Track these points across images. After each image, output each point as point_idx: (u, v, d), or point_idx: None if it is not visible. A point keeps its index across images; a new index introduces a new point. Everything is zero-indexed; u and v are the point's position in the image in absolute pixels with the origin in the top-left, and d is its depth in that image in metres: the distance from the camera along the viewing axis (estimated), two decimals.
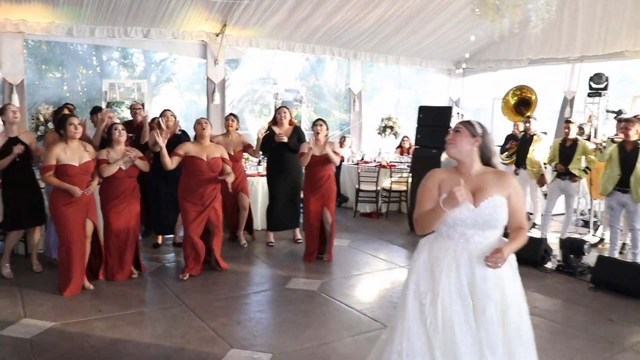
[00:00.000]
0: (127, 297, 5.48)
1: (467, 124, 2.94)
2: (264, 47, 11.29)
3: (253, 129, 14.92)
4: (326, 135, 6.80)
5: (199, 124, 6.15)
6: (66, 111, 6.73)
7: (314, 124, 6.83)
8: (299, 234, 7.80)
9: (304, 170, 6.98)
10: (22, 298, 5.35)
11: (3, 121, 5.96)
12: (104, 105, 9.78)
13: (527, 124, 8.64)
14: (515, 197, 2.86)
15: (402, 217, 9.87)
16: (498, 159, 3.02)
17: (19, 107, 8.90)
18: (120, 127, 5.82)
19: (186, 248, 6.07)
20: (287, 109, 7.53)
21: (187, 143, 6.16)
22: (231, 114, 7.54)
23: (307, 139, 7.28)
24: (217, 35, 10.51)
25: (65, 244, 5.40)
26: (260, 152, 7.55)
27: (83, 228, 5.49)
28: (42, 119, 7.76)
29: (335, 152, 6.69)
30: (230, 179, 6.04)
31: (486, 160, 2.94)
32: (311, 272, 6.42)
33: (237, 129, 7.49)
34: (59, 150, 5.33)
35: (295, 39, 11.32)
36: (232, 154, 7.10)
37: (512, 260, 2.87)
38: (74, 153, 5.38)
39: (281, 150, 7.29)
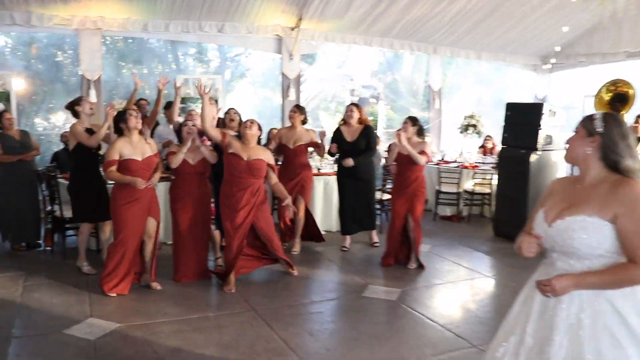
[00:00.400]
0: (193, 299, 5.25)
1: (586, 120, 2.32)
2: (340, 41, 10.90)
3: (328, 128, 14.62)
4: (419, 134, 6.35)
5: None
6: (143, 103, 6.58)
7: (404, 122, 6.42)
8: (375, 236, 7.35)
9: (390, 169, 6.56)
10: (89, 296, 5.24)
11: (78, 111, 5.89)
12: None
13: (636, 124, 7.74)
14: (626, 218, 2.11)
15: (485, 222, 9.25)
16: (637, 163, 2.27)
17: (95, 103, 9.13)
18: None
19: (226, 253, 5.68)
20: (356, 106, 7.00)
21: (235, 139, 5.68)
22: (296, 105, 7.17)
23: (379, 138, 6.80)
24: (292, 30, 10.21)
25: (121, 243, 5.21)
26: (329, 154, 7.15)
27: (142, 227, 5.30)
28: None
29: (422, 152, 6.19)
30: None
31: (612, 164, 2.23)
32: (390, 280, 5.97)
33: (304, 122, 7.02)
34: (121, 144, 5.17)
35: (372, 33, 10.87)
36: (291, 146, 6.78)
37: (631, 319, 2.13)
38: (136, 147, 5.22)
39: (350, 152, 6.79)
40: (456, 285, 5.95)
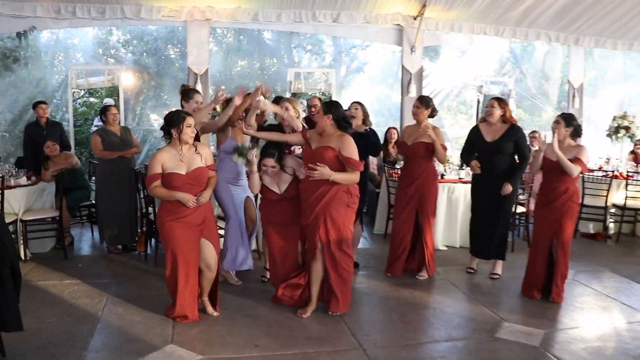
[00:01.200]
0: (291, 329, 4.46)
1: None
2: (468, 31, 9.78)
3: (450, 128, 13.42)
4: (573, 137, 5.17)
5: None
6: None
7: (555, 121, 5.24)
8: (499, 268, 6.02)
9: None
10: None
11: (182, 106, 5.49)
12: (288, 96, 9.04)
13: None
14: None
15: (638, 243, 7.74)
16: None
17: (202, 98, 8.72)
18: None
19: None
20: (499, 101, 5.74)
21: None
22: (419, 97, 6.01)
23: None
24: (414, 19, 9.31)
25: (171, 263, 4.45)
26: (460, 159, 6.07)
27: (195, 251, 4.49)
28: (218, 109, 7.05)
29: (577, 160, 4.99)
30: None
31: None
32: (529, 316, 4.85)
33: (431, 116, 5.88)
34: (164, 155, 4.40)
35: (504, 21, 9.63)
36: (409, 143, 5.79)
37: None
38: (181, 159, 4.40)
39: (489, 154, 5.69)
40: (617, 331, 4.69)
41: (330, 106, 4.63)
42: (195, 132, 4.46)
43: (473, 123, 12.30)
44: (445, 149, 5.70)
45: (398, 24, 9.40)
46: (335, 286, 4.63)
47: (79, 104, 10.01)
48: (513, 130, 5.60)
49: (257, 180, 4.76)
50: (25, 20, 8.34)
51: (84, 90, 8.93)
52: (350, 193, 4.60)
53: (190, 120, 4.35)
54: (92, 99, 9.20)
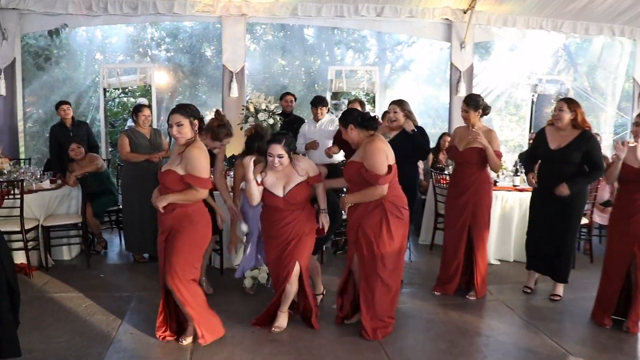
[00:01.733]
0: (322, 357, 3.91)
1: None
2: (523, 26, 9.13)
3: (499, 131, 12.65)
4: None
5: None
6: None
7: (635, 123, 4.58)
8: (560, 289, 5.30)
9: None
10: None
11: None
12: (328, 96, 8.59)
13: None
14: None
15: None
16: None
17: (236, 98, 8.34)
18: (283, 154, 4.09)
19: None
20: (568, 102, 4.93)
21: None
22: (467, 97, 5.32)
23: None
24: (464, 12, 8.76)
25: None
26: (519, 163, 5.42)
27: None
28: (252, 109, 6.63)
29: None
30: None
31: None
32: (601, 349, 4.22)
33: (484, 114, 5.21)
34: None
35: (563, 15, 8.92)
36: (460, 149, 5.17)
37: None
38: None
39: (554, 164, 4.98)
40: None
41: (344, 117, 4.17)
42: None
43: (524, 126, 11.69)
44: (499, 155, 5.07)
45: (446, 19, 8.86)
46: (367, 311, 4.17)
47: (114, 104, 9.77)
48: (584, 138, 4.83)
49: (255, 189, 4.12)
50: (57, 17, 8.20)
51: (119, 89, 8.63)
52: (396, 205, 4.11)
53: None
54: (125, 99, 8.91)
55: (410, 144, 5.09)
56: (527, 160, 5.34)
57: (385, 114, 5.56)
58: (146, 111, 6.25)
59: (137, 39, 10.94)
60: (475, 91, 9.06)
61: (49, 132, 7.62)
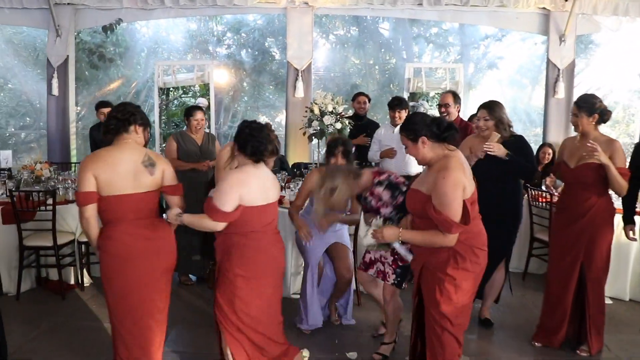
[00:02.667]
0: None
1: None
2: (637, 14, 7.77)
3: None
4: None
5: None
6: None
7: None
8: None
9: None
10: None
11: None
12: (405, 96, 7.67)
13: None
14: None
15: None
16: None
17: (302, 99, 7.60)
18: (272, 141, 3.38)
19: None
20: None
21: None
22: (579, 99, 4.11)
23: None
24: (565, 0, 7.59)
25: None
26: None
27: None
28: (316, 110, 5.81)
29: None
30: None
31: None
32: None
33: (602, 121, 4.09)
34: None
35: None
36: (572, 165, 4.09)
37: None
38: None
39: None
40: None
41: (412, 125, 3.11)
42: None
43: (635, 134, 10.26)
44: (625, 174, 3.91)
45: (543, 8, 7.77)
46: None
47: (176, 104, 9.28)
48: None
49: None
50: (111, 12, 7.77)
51: (178, 88, 8.07)
52: (471, 246, 3.08)
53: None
54: (186, 98, 8.34)
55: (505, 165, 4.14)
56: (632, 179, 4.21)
57: (471, 118, 4.63)
58: (199, 114, 5.58)
59: (197, 34, 10.34)
60: (577, 91, 7.87)
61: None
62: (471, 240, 3.04)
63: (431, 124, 3.05)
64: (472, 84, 10.56)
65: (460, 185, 2.89)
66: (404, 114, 5.86)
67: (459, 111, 5.71)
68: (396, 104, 5.98)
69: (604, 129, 4.09)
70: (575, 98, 7.99)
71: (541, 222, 5.88)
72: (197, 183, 5.43)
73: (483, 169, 4.00)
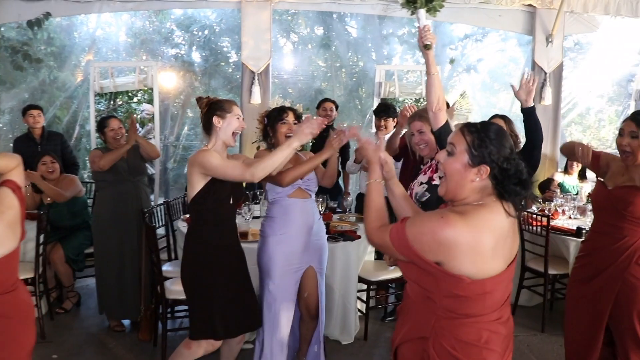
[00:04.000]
0: None
1: None
2: (630, 13, 7.18)
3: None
4: None
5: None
6: None
7: None
8: None
9: None
10: None
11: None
12: (376, 102, 6.93)
13: None
14: None
15: None
16: None
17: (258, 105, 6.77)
18: None
19: None
20: None
21: None
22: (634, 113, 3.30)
23: None
24: None
25: None
26: None
27: None
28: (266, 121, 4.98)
29: None
30: None
31: None
32: None
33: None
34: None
35: None
36: (610, 186, 3.20)
37: None
38: None
39: None
40: None
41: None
42: None
43: (607, 139, 9.87)
44: None
45: (529, 5, 7.08)
46: None
47: (123, 111, 8.33)
48: None
49: None
50: (37, 4, 6.74)
51: (123, 93, 7.17)
52: None
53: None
54: (133, 104, 7.41)
55: None
56: None
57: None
58: (113, 123, 4.74)
59: (142, 32, 9.37)
60: (565, 97, 7.24)
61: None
62: None
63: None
64: (447, 89, 9.90)
65: None
66: (391, 123, 5.19)
67: None
68: (382, 110, 5.33)
69: (576, 134, 3.51)
70: (563, 104, 7.46)
71: (534, 249, 5.18)
72: (131, 208, 4.64)
73: None
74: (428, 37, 2.82)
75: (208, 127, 3.09)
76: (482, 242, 1.82)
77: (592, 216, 5.20)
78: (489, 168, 1.90)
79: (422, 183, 3.05)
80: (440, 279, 1.85)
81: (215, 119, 3.04)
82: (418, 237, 1.85)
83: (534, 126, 3.39)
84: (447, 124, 2.89)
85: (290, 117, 3.53)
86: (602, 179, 3.25)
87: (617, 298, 3.10)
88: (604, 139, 10.39)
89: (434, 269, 1.84)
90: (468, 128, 1.96)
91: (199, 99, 3.25)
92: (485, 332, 1.90)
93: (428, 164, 3.15)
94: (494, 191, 1.94)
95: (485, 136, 1.91)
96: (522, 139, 3.57)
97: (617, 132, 3.17)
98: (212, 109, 3.09)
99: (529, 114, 3.35)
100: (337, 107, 6.19)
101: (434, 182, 2.99)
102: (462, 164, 1.93)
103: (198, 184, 3.01)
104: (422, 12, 2.82)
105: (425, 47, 2.85)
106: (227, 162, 2.98)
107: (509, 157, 1.92)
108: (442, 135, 2.85)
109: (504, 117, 4.09)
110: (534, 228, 5.13)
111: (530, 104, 3.34)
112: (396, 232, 1.92)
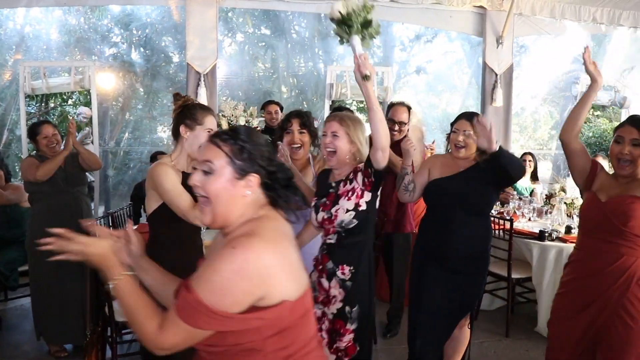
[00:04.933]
0: None
1: None
2: (587, 18, 7.35)
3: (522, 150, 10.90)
4: None
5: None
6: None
7: None
8: None
9: None
10: None
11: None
12: (326, 106, 6.72)
13: None
14: None
15: None
16: None
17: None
18: None
19: None
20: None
21: None
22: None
23: None
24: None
25: None
26: None
27: None
28: (224, 124, 4.76)
29: None
30: None
31: None
32: None
33: None
34: None
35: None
36: (601, 197, 2.88)
37: None
38: None
39: None
40: None
41: None
42: None
43: (542, 140, 10.04)
44: None
45: (480, 6, 7.06)
46: None
47: (55, 114, 7.78)
48: None
49: None
50: None
51: (56, 95, 6.73)
52: None
53: None
54: (66, 107, 6.94)
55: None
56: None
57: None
58: (47, 129, 4.34)
59: (77, 30, 8.83)
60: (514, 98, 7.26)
61: None
62: None
63: None
64: (395, 89, 9.83)
65: None
66: None
67: None
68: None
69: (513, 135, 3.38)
70: (514, 105, 7.48)
71: (495, 252, 5.09)
72: (71, 216, 4.18)
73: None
74: (367, 67, 2.52)
75: (176, 134, 2.78)
76: (288, 252, 1.59)
77: (552, 219, 5.19)
78: (257, 175, 1.66)
79: (348, 210, 2.79)
80: (262, 324, 1.52)
81: (182, 128, 2.73)
82: (222, 290, 1.47)
83: (510, 164, 3.07)
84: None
85: (295, 125, 3.31)
86: (594, 190, 2.89)
87: (611, 339, 2.72)
88: (540, 138, 10.57)
89: (254, 318, 1.50)
90: (219, 137, 1.68)
91: (176, 95, 2.90)
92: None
93: (345, 187, 2.87)
94: (267, 200, 1.70)
95: (240, 140, 1.66)
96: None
97: (551, 132, 3.05)
98: (182, 115, 2.76)
99: (499, 156, 3.00)
100: (282, 109, 6.03)
101: (360, 208, 2.79)
102: (227, 179, 1.65)
103: (154, 200, 2.71)
104: (356, 38, 2.51)
105: (363, 79, 2.53)
106: (178, 192, 2.63)
107: (270, 157, 1.71)
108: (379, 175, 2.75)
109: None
110: (496, 232, 5.06)
111: (495, 148, 3.00)
112: (187, 306, 1.49)
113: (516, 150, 9.11)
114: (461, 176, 3.21)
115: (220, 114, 4.94)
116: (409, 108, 4.61)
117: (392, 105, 4.60)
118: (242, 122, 4.87)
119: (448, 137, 3.40)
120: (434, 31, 9.42)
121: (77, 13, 8.88)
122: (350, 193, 2.83)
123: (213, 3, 6.48)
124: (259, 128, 4.97)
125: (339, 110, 4.63)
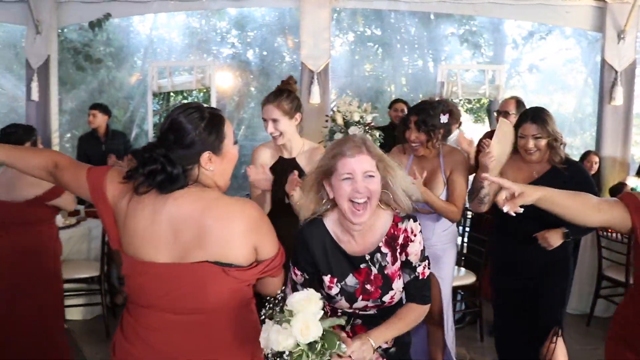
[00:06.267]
0: None
1: None
2: None
3: None
4: None
5: None
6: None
7: None
8: None
9: None
10: None
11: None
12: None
13: None
14: None
15: None
16: None
17: (318, 105, 6.68)
18: None
19: None
20: None
21: None
22: None
23: None
24: None
25: None
26: None
27: None
28: (340, 120, 4.90)
29: None
30: None
31: None
32: None
33: None
34: None
35: None
36: None
37: None
38: None
39: None
40: None
41: None
42: None
43: None
44: None
45: (600, 0, 6.76)
46: None
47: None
48: None
49: None
50: (98, 5, 6.84)
51: (178, 93, 7.23)
52: None
53: None
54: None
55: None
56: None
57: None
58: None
59: (198, 32, 9.36)
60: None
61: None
62: None
63: None
64: (506, 88, 9.59)
65: None
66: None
67: None
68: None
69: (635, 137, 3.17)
70: (635, 105, 7.12)
71: (610, 256, 4.94)
72: None
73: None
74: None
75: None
76: None
77: None
78: None
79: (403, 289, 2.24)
80: None
81: (298, 115, 3.26)
82: None
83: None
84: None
85: (412, 124, 3.30)
86: None
87: None
88: None
89: None
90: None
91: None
92: None
93: (395, 265, 2.18)
94: None
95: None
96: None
97: None
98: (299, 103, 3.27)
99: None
100: (408, 107, 6.08)
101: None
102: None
103: None
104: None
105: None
106: None
107: None
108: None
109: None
110: (611, 234, 4.91)
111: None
112: None
113: (637, 152, 8.67)
114: (538, 184, 2.69)
115: (336, 109, 5.08)
116: (517, 101, 4.65)
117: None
118: (356, 118, 4.94)
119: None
120: (548, 28, 9.09)
121: (199, 17, 9.43)
122: (398, 268, 2.19)
123: (326, 4, 6.71)
124: (373, 123, 5.03)
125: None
